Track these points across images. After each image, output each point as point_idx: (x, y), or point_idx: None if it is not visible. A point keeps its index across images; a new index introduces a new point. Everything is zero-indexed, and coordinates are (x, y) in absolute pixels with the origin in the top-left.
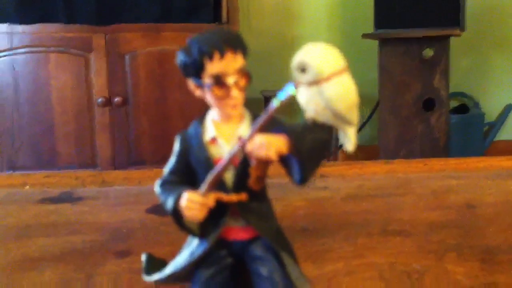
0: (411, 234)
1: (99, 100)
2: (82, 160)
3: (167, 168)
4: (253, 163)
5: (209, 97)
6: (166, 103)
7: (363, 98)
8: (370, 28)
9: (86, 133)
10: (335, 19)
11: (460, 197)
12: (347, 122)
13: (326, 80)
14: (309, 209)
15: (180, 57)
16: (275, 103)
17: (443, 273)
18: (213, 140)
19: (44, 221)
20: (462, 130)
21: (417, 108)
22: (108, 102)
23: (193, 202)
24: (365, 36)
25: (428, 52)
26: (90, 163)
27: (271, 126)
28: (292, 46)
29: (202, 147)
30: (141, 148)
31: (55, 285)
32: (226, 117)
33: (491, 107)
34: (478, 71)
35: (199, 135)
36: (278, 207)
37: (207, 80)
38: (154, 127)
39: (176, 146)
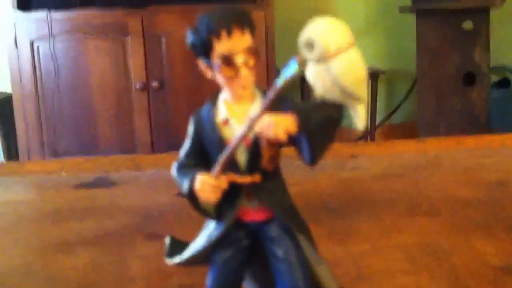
0: (439, 213)
1: (137, 84)
2: (121, 144)
3: (182, 151)
4: (263, 143)
5: (219, 78)
6: (203, 85)
7: (401, 73)
8: (407, 0)
9: (125, 117)
10: None
11: (491, 175)
12: (355, 98)
13: (333, 56)
14: (337, 189)
15: (189, 37)
16: (280, 81)
17: (472, 252)
18: (226, 121)
19: (78, 206)
20: (504, 105)
21: (457, 83)
22: (146, 86)
23: (206, 184)
24: (402, 9)
25: (468, 24)
26: (130, 147)
27: (280, 105)
28: None
29: (214, 128)
30: (179, 131)
31: (88, 268)
32: (238, 98)
33: None
34: None
35: (211, 116)
36: (306, 188)
37: (216, 60)
38: (191, 110)
39: (190, 129)
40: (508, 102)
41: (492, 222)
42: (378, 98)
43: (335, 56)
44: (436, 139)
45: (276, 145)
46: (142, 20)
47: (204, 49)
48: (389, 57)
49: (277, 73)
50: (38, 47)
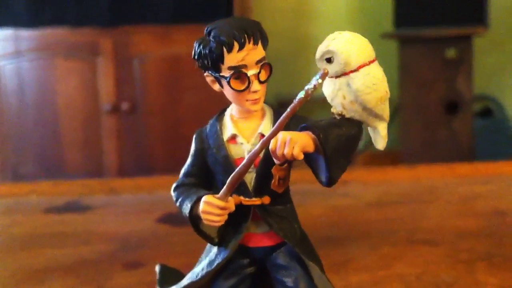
0: (439, 243)
1: (107, 106)
2: (89, 168)
3: (183, 170)
4: (276, 162)
5: (228, 92)
6: (177, 108)
7: None
8: (389, 27)
9: (93, 140)
10: (352, 18)
11: (489, 204)
12: (377, 116)
13: (355, 71)
14: (331, 217)
15: (196, 48)
16: (300, 93)
17: (473, 284)
18: (233, 138)
19: (51, 231)
20: (487, 135)
21: (440, 112)
22: (116, 108)
23: (212, 206)
24: (384, 36)
25: (451, 52)
26: (97, 171)
27: (296, 123)
28: (307, 46)
29: (220, 146)
30: (151, 155)
31: None
32: (246, 113)
33: None
34: (504, 72)
35: (217, 133)
36: (298, 214)
37: (225, 73)
38: (165, 133)
39: (193, 146)
40: (491, 132)
41: (493, 252)
42: None
43: (357, 70)
44: (429, 167)
45: (288, 165)
46: (114, 40)
47: (213, 61)
48: None
49: None
50: (3, 66)
